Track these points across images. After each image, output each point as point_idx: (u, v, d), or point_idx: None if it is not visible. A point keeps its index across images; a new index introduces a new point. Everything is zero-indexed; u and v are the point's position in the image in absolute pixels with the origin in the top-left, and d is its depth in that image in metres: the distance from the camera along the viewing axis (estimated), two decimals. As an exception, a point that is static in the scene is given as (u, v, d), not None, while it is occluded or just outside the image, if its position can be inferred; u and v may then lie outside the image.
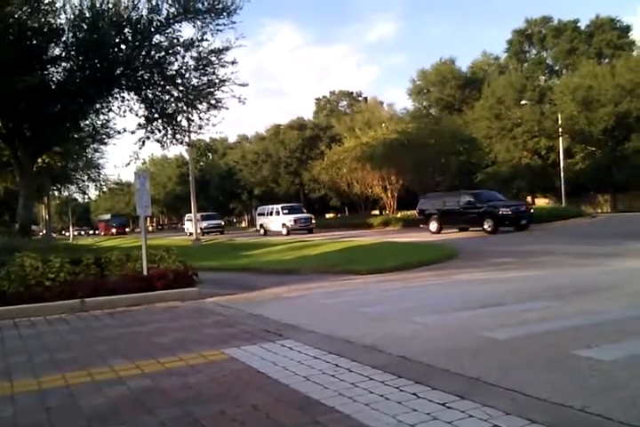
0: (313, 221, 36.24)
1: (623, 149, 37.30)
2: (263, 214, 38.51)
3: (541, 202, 45.63)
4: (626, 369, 3.98)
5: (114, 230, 71.45)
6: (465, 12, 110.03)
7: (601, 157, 38.81)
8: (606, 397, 3.43)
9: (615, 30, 49.33)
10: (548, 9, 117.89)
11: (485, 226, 22.36)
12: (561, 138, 37.48)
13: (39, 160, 22.51)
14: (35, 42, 12.94)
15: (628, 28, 50.47)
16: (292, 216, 35.12)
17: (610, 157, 38.21)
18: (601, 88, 37.21)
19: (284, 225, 35.00)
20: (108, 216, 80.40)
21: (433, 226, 25.23)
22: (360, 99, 70.18)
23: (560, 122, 37.35)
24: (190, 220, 46.02)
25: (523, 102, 40.12)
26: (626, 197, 40.99)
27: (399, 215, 38.32)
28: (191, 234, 43.00)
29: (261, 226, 38.41)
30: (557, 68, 53.17)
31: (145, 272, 9.13)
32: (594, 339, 4.80)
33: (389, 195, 42.62)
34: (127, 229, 76.59)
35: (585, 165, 39.16)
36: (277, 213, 36.29)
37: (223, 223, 50.27)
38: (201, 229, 41.78)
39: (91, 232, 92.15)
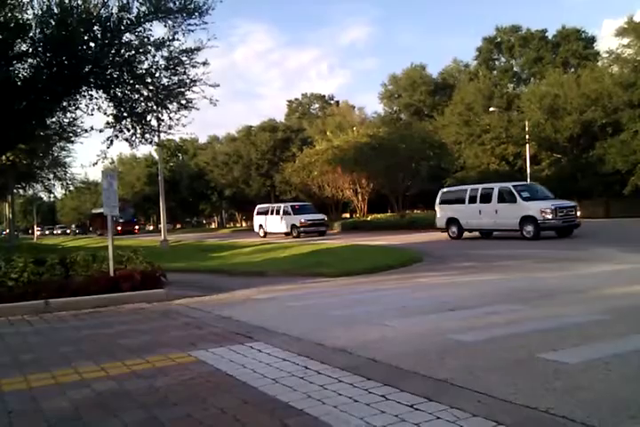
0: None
1: (588, 157, 38.14)
2: None
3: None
4: (589, 372, 4.06)
5: (119, 228, 50.33)
6: (437, 20, 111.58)
7: (566, 164, 39.66)
8: (570, 399, 3.50)
9: (581, 41, 50.52)
10: (518, 18, 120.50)
11: None
12: (528, 145, 38.19)
13: (3, 158, 22.00)
14: (0, 37, 12.63)
15: (592, 39, 51.77)
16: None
17: (575, 165, 39.06)
18: (567, 97, 38.02)
19: None
20: None
21: None
22: (332, 102, 70.55)
23: (527, 129, 38.04)
24: (266, 212, 33.07)
25: (491, 109, 40.77)
26: (590, 203, 41.93)
27: (369, 218, 38.52)
28: (266, 234, 32.47)
29: None
30: (525, 76, 54.18)
31: (111, 273, 8.98)
32: (559, 342, 4.89)
33: (360, 198, 42.81)
34: (137, 227, 58.93)
35: (551, 172, 39.97)
36: None
37: (325, 218, 33.40)
38: (294, 226, 30.40)
39: (77, 232, 76.95)
